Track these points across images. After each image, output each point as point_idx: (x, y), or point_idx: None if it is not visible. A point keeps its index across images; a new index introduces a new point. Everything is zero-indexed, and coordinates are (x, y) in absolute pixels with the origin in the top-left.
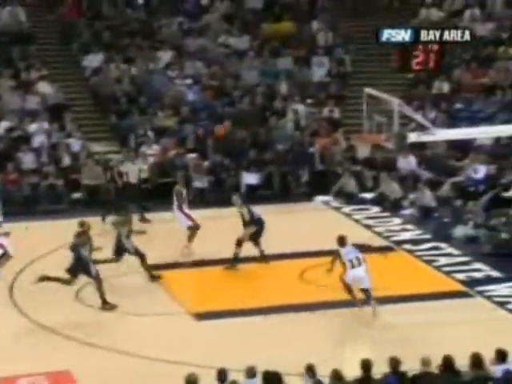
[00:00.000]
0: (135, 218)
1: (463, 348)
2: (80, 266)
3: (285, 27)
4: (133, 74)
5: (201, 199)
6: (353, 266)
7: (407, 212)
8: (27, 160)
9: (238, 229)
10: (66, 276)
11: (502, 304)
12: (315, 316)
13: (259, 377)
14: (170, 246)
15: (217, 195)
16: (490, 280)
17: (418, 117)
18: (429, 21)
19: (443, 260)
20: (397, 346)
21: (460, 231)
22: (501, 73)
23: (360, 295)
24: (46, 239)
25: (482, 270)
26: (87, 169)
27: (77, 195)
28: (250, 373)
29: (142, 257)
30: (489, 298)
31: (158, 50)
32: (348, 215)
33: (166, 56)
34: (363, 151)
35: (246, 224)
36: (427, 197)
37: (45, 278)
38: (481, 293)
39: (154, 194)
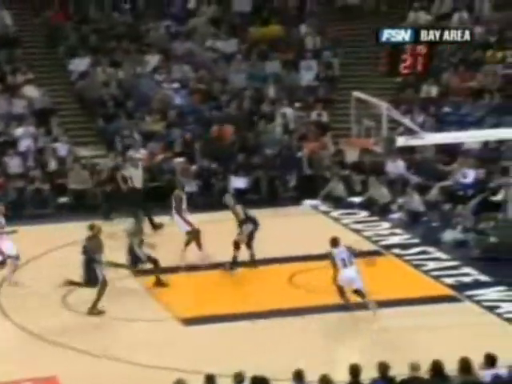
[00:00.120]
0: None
1: (452, 353)
2: (89, 269)
3: (273, 31)
4: (120, 78)
5: (189, 203)
6: (345, 265)
7: (396, 216)
8: (13, 164)
9: (227, 233)
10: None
11: (490, 308)
12: (304, 321)
13: (247, 382)
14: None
15: (205, 199)
16: (478, 284)
17: (407, 121)
18: (417, 24)
19: (432, 264)
20: (385, 350)
21: (449, 235)
22: (489, 76)
23: (353, 298)
24: (32, 244)
25: (471, 274)
26: (74, 173)
27: (63, 200)
28: (239, 378)
29: (155, 262)
30: (478, 302)
31: (145, 54)
32: (336, 219)
33: (153, 60)
34: (351, 155)
35: (240, 224)
36: (416, 201)
37: (70, 283)
38: (470, 297)
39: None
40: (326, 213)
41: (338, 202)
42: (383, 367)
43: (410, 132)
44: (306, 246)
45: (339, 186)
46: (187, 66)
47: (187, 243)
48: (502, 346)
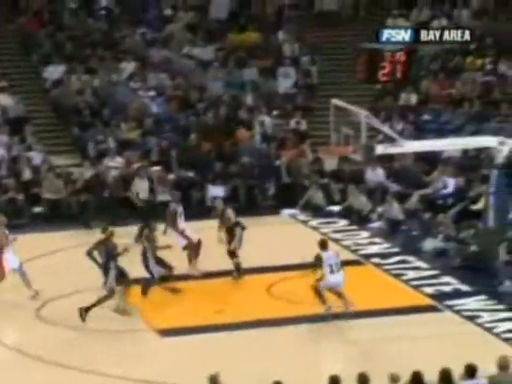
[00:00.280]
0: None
1: (432, 363)
2: (103, 270)
3: (250, 37)
4: (95, 86)
5: (165, 213)
6: (332, 272)
7: (375, 225)
8: None
9: (205, 243)
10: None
11: (471, 318)
12: (282, 331)
13: None
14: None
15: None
16: (459, 294)
17: (386, 129)
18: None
19: (412, 274)
20: (365, 361)
21: (429, 244)
22: (468, 84)
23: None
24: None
25: (451, 283)
26: (47, 182)
27: (38, 209)
28: (213, 381)
29: (170, 269)
30: (458, 312)
31: (120, 61)
32: (315, 228)
33: (129, 67)
34: (330, 163)
35: (230, 229)
36: (395, 209)
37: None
38: (450, 307)
39: (119, 207)
40: (304, 222)
41: (316, 211)
42: (363, 378)
43: (389, 140)
44: (285, 255)
45: (318, 195)
46: (163, 73)
47: (189, 258)
48: (482, 356)
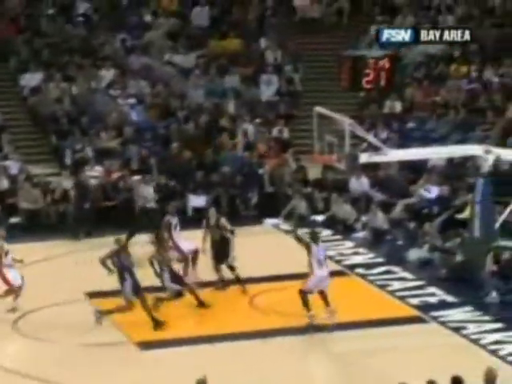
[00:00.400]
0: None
1: (418, 375)
2: (120, 278)
3: (232, 44)
4: (73, 94)
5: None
6: (320, 266)
7: (359, 235)
8: None
9: None
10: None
11: (456, 329)
12: (265, 344)
13: None
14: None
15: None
16: (444, 305)
17: (370, 137)
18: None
19: (396, 284)
20: (349, 374)
21: (414, 254)
22: (453, 92)
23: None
24: None
25: (437, 294)
26: (24, 192)
27: (15, 220)
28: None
29: (180, 295)
30: (443, 323)
31: (99, 69)
32: None
33: (108, 74)
34: (314, 172)
35: (225, 238)
36: (380, 219)
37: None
38: (435, 318)
39: (97, 218)
40: (287, 232)
41: (300, 221)
42: None
43: (373, 148)
44: (267, 266)
45: (301, 204)
46: (144, 81)
47: (185, 271)
48: (468, 368)
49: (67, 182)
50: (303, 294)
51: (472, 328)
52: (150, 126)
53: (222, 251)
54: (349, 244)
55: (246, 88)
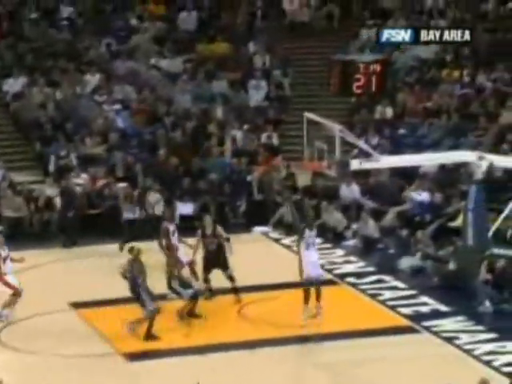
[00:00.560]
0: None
1: None
2: (135, 295)
3: (220, 48)
4: (58, 99)
5: (131, 231)
6: (307, 249)
7: (350, 243)
8: None
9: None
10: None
11: (449, 339)
12: (254, 355)
13: None
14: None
15: (150, 226)
16: (437, 314)
17: (361, 143)
18: (371, 42)
19: (388, 294)
20: None
21: (406, 263)
22: (445, 97)
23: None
24: None
25: (429, 303)
26: (6, 200)
27: None
28: None
29: (195, 298)
30: (436, 333)
31: (84, 73)
32: (288, 247)
33: (93, 79)
34: (303, 179)
35: (221, 246)
36: (371, 227)
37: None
38: (428, 328)
39: (82, 226)
40: (276, 240)
41: (289, 229)
42: None
43: (364, 155)
44: (256, 275)
45: (290, 212)
46: (129, 86)
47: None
48: (461, 379)
49: (51, 190)
50: (306, 288)
51: (465, 338)
52: (136, 132)
53: (218, 260)
54: (339, 252)
55: (235, 93)
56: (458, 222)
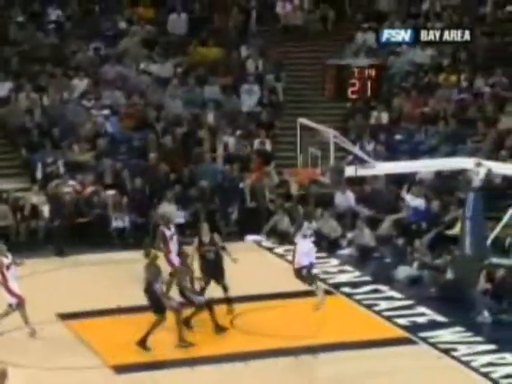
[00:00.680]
0: None
1: None
2: (152, 301)
3: (212, 53)
4: (45, 105)
5: (121, 240)
6: (304, 239)
7: (345, 252)
8: None
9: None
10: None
11: (447, 351)
12: (247, 367)
13: None
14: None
15: (139, 235)
16: (434, 325)
17: (356, 149)
18: (366, 46)
19: (384, 304)
20: None
21: (402, 272)
22: (442, 102)
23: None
24: None
25: (426, 314)
26: None
27: None
28: None
29: (210, 308)
30: (433, 344)
31: (72, 78)
32: (281, 256)
33: (81, 84)
34: (297, 186)
35: (219, 257)
36: (366, 235)
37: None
38: (425, 339)
39: (70, 235)
40: (269, 249)
41: (282, 238)
42: None
43: (359, 161)
44: (249, 285)
45: (284, 220)
46: (118, 91)
47: (169, 284)
48: None
49: (37, 198)
50: (299, 273)
51: (463, 349)
52: (125, 138)
53: (217, 270)
54: (334, 262)
55: (227, 98)
56: (456, 231)
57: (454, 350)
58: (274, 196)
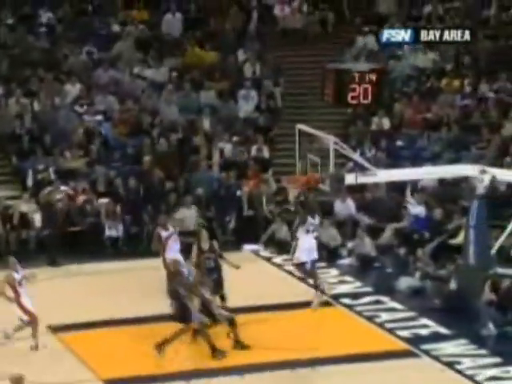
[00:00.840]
0: None
1: None
2: (179, 311)
3: (208, 57)
4: (35, 110)
5: (114, 250)
6: (307, 232)
7: (345, 262)
8: None
9: (156, 283)
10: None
11: (450, 364)
12: (243, 380)
13: None
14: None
15: (133, 245)
16: (437, 337)
17: (356, 156)
18: (367, 49)
19: (385, 316)
20: None
21: (404, 283)
22: (445, 107)
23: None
24: None
25: (429, 326)
26: None
27: None
28: None
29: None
30: (436, 357)
31: (63, 83)
32: (279, 266)
33: (73, 89)
34: (295, 194)
35: (219, 266)
36: (367, 245)
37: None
38: (427, 352)
39: (62, 244)
40: (267, 259)
41: (281, 247)
42: None
43: (360, 168)
44: (246, 296)
45: (282, 229)
46: (112, 96)
47: None
48: None
49: (27, 206)
50: (300, 267)
51: (467, 363)
52: (119, 145)
53: (219, 279)
54: (334, 272)
55: (223, 104)
56: (460, 240)
57: (458, 363)
58: (272, 206)
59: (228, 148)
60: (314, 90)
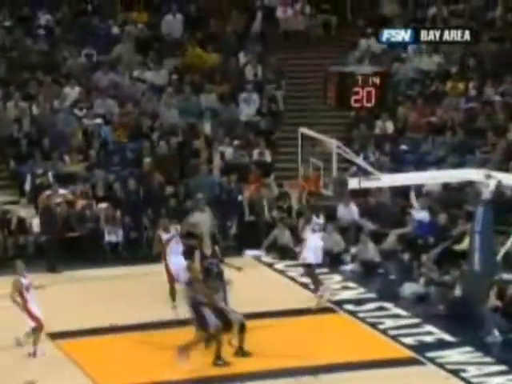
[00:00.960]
0: None
1: None
2: (197, 318)
3: (209, 59)
4: (34, 114)
5: (114, 255)
6: (313, 234)
7: (348, 268)
8: None
9: (156, 289)
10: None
11: (455, 372)
12: None
13: None
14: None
15: (132, 250)
16: (442, 345)
17: (360, 160)
18: (370, 52)
19: (389, 322)
20: None
21: (408, 289)
22: (450, 111)
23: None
24: None
25: (433, 333)
26: None
27: None
28: None
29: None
30: (441, 365)
31: (62, 86)
32: (282, 272)
33: (72, 93)
34: (298, 198)
35: (221, 272)
36: (371, 250)
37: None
38: (432, 359)
39: (61, 250)
40: (269, 265)
41: (283, 252)
42: None
43: (363, 173)
44: (248, 302)
45: (285, 234)
46: (111, 99)
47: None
48: None
49: (25, 211)
50: (310, 271)
51: (472, 371)
52: (119, 149)
53: (221, 285)
54: (337, 278)
55: (224, 107)
56: (465, 245)
57: (463, 370)
58: (274, 211)
59: (229, 152)
60: (317, 93)
